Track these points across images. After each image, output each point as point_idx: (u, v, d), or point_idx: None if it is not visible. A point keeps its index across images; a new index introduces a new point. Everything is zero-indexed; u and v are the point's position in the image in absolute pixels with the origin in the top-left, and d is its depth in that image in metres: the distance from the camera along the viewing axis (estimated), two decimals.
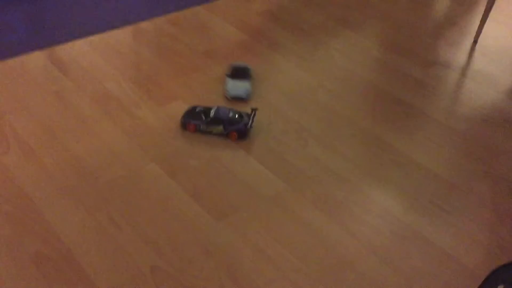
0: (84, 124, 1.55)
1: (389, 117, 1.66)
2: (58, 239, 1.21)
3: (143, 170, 1.41)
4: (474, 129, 1.64)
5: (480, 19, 2.08)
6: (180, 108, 1.63)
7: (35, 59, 1.82)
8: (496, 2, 2.10)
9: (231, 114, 1.52)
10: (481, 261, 1.24)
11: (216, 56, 1.90)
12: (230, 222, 1.28)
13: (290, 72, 1.84)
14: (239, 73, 1.73)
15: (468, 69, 1.93)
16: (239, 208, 1.32)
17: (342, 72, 1.87)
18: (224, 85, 1.74)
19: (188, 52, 1.91)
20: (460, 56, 2.00)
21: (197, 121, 1.52)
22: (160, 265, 1.17)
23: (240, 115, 1.53)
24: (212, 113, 1.52)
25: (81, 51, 1.87)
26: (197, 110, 1.55)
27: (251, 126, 1.53)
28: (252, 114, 1.55)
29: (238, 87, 1.68)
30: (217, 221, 1.28)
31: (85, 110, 1.60)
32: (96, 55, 1.86)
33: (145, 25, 2.06)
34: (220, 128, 1.51)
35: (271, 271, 1.18)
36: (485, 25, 2.14)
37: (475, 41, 2.08)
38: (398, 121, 1.65)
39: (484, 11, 2.02)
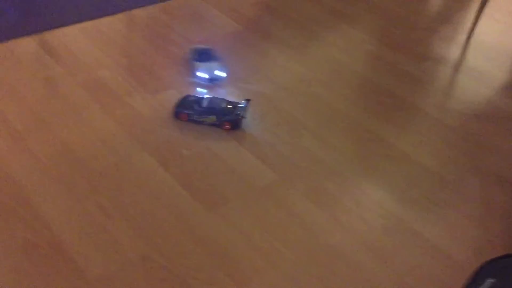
0: (74, 112, 1.53)
1: (382, 111, 1.66)
2: (47, 227, 1.20)
3: (134, 159, 1.40)
4: (466, 124, 1.64)
5: (474, 15, 2.09)
6: (172, 97, 1.61)
7: (26, 45, 1.79)
8: None
9: (224, 104, 1.51)
10: (470, 255, 1.24)
11: (210, 45, 1.88)
12: (221, 213, 1.28)
13: (283, 64, 1.83)
14: (204, 55, 1.72)
15: (462, 64, 1.93)
16: (231, 198, 1.32)
17: (336, 65, 1.86)
18: (192, 70, 1.71)
19: (181, 41, 1.89)
20: (453, 51, 2.00)
21: (189, 110, 1.51)
22: (151, 255, 1.16)
23: (233, 106, 1.52)
24: (205, 102, 1.51)
25: (73, 37, 1.85)
26: (190, 99, 1.54)
27: (244, 117, 1.52)
28: (245, 105, 1.54)
29: (211, 68, 1.67)
30: (208, 211, 1.28)
31: (75, 97, 1.58)
32: (88, 42, 1.83)
33: (138, 12, 2.03)
34: (213, 118, 1.50)
35: (262, 262, 1.18)
36: (479, 21, 2.14)
37: (469, 37, 2.09)
38: (390, 114, 1.65)
39: (478, 7, 2.03)
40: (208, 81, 1.66)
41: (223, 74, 1.68)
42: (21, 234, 1.18)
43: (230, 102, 1.53)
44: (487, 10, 2.30)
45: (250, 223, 1.26)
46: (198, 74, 1.66)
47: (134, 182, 1.33)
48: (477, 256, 1.24)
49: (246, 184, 1.36)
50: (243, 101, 1.59)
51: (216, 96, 1.57)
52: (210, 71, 1.66)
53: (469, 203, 1.38)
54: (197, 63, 1.69)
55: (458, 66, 1.92)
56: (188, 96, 1.56)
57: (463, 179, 1.45)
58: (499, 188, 1.43)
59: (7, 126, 1.45)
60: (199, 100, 1.53)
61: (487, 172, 1.48)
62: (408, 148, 1.53)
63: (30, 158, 1.37)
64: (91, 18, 1.97)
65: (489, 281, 0.99)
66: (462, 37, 2.09)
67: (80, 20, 1.95)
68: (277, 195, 1.34)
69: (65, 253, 1.15)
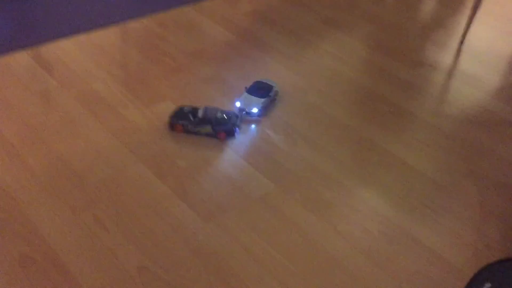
0: (70, 125, 1.53)
1: (377, 118, 1.67)
2: (43, 241, 1.19)
3: (130, 171, 1.40)
4: (460, 129, 1.65)
5: (466, 20, 2.10)
6: (167, 108, 1.62)
7: (20, 59, 1.79)
8: (482, 4, 2.13)
9: (219, 114, 1.51)
10: (468, 260, 1.24)
11: (204, 56, 1.89)
12: (218, 223, 1.28)
13: (278, 73, 1.84)
14: (258, 89, 1.65)
15: (455, 70, 1.94)
16: (228, 208, 1.32)
17: (330, 72, 1.87)
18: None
19: (176, 52, 1.90)
20: (446, 57, 2.01)
21: (184, 121, 1.51)
22: (148, 266, 1.16)
23: (228, 115, 1.53)
24: (200, 113, 1.51)
25: (67, 50, 1.85)
26: (184, 110, 1.54)
27: (239, 126, 1.52)
28: (240, 114, 1.55)
29: (250, 102, 1.62)
30: (205, 221, 1.28)
31: (71, 110, 1.58)
32: (83, 55, 1.84)
33: (132, 25, 2.04)
34: (208, 128, 1.50)
35: (259, 271, 1.17)
36: (472, 27, 2.16)
37: (461, 42, 2.10)
38: (385, 121, 1.66)
39: (470, 13, 2.04)
40: (240, 111, 1.60)
41: (256, 112, 1.60)
42: (17, 248, 1.17)
43: (225, 112, 1.53)
44: (479, 15, 2.32)
45: (248, 233, 1.26)
46: (236, 102, 1.62)
47: (130, 193, 1.33)
48: (475, 261, 1.24)
49: (243, 193, 1.36)
50: (237, 110, 1.59)
51: (211, 106, 1.58)
52: (246, 104, 1.60)
53: (465, 208, 1.38)
54: (244, 93, 1.65)
55: (451, 71, 1.93)
56: (183, 107, 1.56)
57: (459, 184, 1.45)
58: (495, 192, 1.43)
59: (1, 140, 1.45)
60: (194, 110, 1.53)
61: (483, 177, 1.48)
62: (404, 154, 1.53)
63: (26, 172, 1.37)
64: (85, 31, 1.97)
65: (487, 285, 0.99)
66: (455, 43, 2.10)
67: (74, 33, 1.95)
68: (274, 204, 1.34)
69: (62, 266, 1.14)
